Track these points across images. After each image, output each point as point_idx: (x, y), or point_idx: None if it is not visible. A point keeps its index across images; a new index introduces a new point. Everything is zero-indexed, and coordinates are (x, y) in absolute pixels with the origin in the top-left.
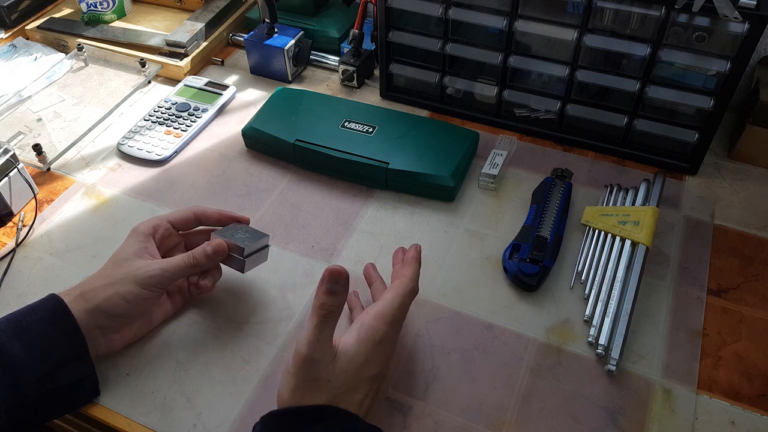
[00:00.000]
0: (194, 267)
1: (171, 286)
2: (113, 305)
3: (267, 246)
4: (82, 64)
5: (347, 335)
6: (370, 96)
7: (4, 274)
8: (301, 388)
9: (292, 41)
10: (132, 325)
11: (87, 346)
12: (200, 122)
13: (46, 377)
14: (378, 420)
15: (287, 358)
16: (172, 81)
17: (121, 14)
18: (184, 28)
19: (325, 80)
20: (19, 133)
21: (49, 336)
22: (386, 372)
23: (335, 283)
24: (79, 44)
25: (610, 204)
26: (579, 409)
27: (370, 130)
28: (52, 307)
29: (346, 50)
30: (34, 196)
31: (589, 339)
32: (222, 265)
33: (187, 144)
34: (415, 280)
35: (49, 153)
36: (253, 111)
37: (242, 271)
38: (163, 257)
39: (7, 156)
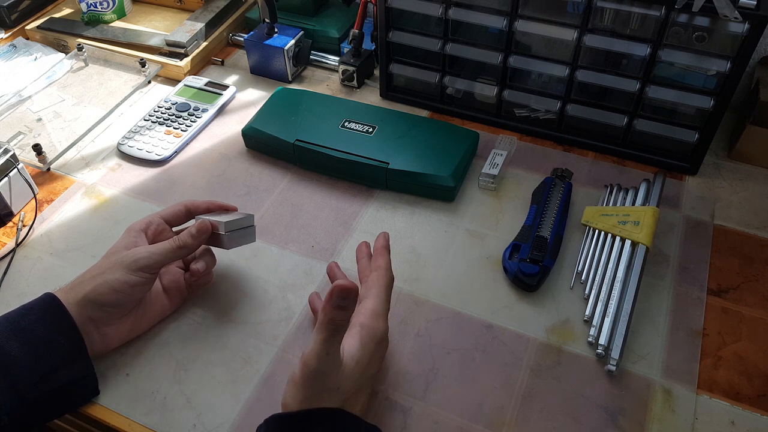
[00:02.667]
0: (180, 248)
1: (167, 281)
2: (101, 294)
3: (252, 225)
4: (82, 64)
5: (349, 339)
6: (370, 96)
7: (4, 274)
8: (310, 399)
9: (292, 41)
10: (126, 317)
11: (85, 345)
12: (200, 122)
13: (46, 377)
14: (378, 420)
15: (287, 359)
16: (172, 81)
17: (121, 14)
18: (184, 28)
19: (325, 80)
20: (19, 133)
21: (47, 336)
22: (381, 366)
23: (344, 299)
24: (79, 44)
25: (610, 204)
26: (579, 409)
27: (370, 130)
28: (49, 306)
29: (346, 50)
30: (34, 196)
31: (589, 339)
32: (217, 260)
33: (187, 144)
34: (390, 269)
35: (49, 153)
36: (253, 111)
37: (226, 248)
38: None
39: (7, 156)
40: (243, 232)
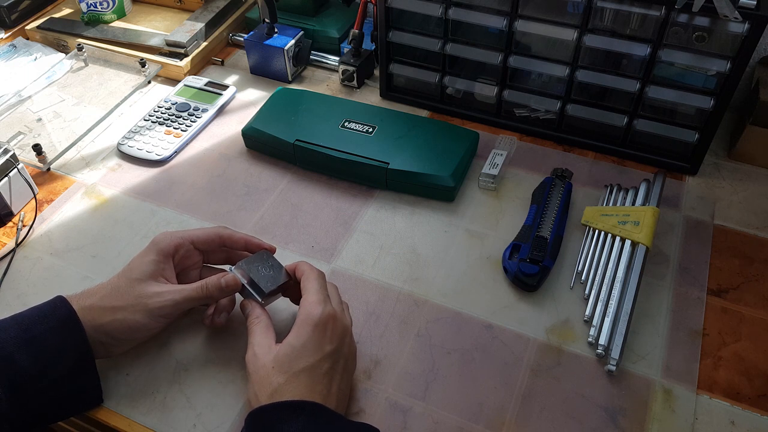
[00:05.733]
0: (206, 298)
1: None
2: (116, 330)
3: (287, 282)
4: (82, 64)
5: (290, 331)
6: (370, 96)
7: (4, 274)
8: (259, 391)
9: (292, 41)
10: (135, 342)
11: (93, 358)
12: (200, 122)
13: (51, 386)
14: (378, 420)
15: None
16: (172, 81)
17: (121, 14)
18: (184, 28)
19: (325, 80)
20: (19, 133)
21: (57, 347)
22: (351, 346)
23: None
24: (79, 44)
25: (610, 204)
26: (579, 409)
27: (370, 130)
28: (62, 316)
29: (346, 50)
30: (34, 196)
31: (589, 339)
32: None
33: (187, 144)
34: (311, 265)
35: (49, 153)
36: (253, 111)
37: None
38: (178, 274)
39: (7, 156)
40: (278, 291)
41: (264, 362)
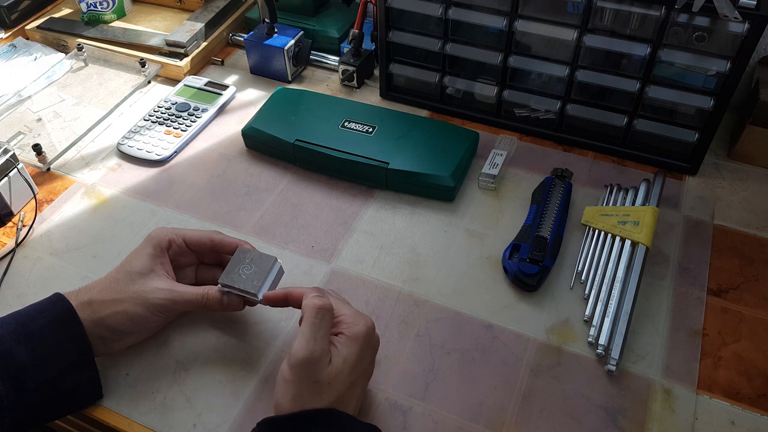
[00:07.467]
0: (204, 308)
1: None
2: (118, 322)
3: (276, 264)
4: (82, 64)
5: (336, 344)
6: (370, 96)
7: (4, 274)
8: (302, 394)
9: (292, 41)
10: (135, 336)
11: (92, 352)
12: (200, 122)
13: (51, 381)
14: (378, 420)
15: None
16: (172, 81)
17: (121, 14)
18: (184, 28)
19: (325, 80)
20: (19, 133)
21: (55, 341)
22: (373, 363)
23: (320, 291)
24: (79, 44)
25: (610, 204)
26: (579, 409)
27: (370, 130)
28: (60, 311)
29: (346, 50)
30: (34, 196)
31: (589, 339)
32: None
33: (187, 144)
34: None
35: (49, 153)
36: (253, 111)
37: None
38: (173, 269)
39: (7, 156)
40: (273, 280)
41: (315, 378)
